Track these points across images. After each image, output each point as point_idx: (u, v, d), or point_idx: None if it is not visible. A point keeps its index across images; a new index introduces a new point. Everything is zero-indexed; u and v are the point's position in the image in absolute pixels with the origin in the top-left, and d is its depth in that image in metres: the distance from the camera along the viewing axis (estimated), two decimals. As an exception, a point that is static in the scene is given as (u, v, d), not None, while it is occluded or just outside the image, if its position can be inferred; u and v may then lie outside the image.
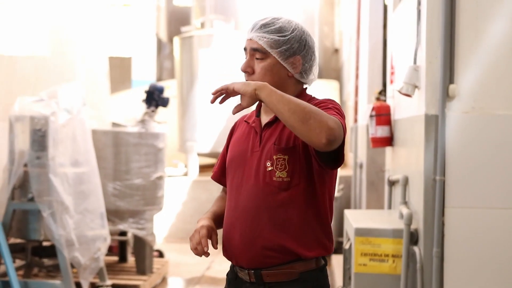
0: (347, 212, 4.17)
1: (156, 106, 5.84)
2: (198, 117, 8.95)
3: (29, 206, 4.67)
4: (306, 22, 10.85)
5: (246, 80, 2.10)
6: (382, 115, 4.32)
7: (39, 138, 4.59)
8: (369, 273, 3.46)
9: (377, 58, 6.33)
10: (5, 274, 4.61)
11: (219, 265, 6.52)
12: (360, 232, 3.48)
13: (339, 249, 6.02)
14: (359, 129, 6.53)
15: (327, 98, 2.10)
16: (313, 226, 2.07)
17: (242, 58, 2.15)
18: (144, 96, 5.89)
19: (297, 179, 2.04)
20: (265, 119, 2.15)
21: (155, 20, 13.20)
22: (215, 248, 2.10)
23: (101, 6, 7.55)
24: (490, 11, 3.17)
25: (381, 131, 4.32)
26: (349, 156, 8.43)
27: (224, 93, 1.96)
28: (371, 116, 4.40)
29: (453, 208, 3.19)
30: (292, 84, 2.11)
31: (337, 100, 10.71)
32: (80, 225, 4.76)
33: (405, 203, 3.71)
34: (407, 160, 3.81)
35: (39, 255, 5.11)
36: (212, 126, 8.89)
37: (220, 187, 2.38)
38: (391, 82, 4.42)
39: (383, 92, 5.03)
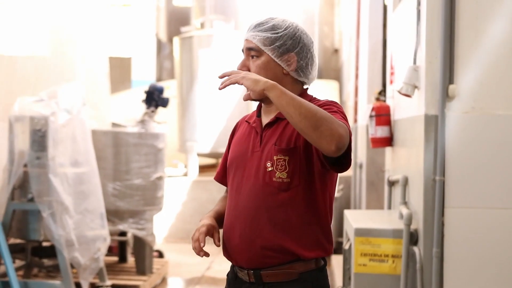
0: (347, 212, 4.17)
1: (156, 106, 5.84)
2: (198, 117, 8.95)
3: (29, 206, 4.67)
4: (306, 22, 10.86)
5: None
6: (382, 115, 4.32)
7: (39, 138, 4.59)
8: (369, 273, 3.46)
9: (377, 58, 6.33)
10: (5, 275, 4.61)
11: (219, 265, 6.52)
12: (360, 232, 3.48)
13: (339, 249, 6.02)
14: (359, 129, 6.53)
15: (329, 99, 2.10)
16: (312, 227, 2.07)
17: (241, 59, 2.16)
18: (144, 96, 5.89)
19: (297, 180, 2.04)
20: (265, 119, 2.15)
21: (155, 20, 13.20)
22: (217, 245, 2.11)
23: (101, 6, 7.55)
24: (490, 11, 3.17)
25: (381, 132, 4.32)
26: (349, 156, 8.41)
27: (231, 79, 1.93)
28: (371, 116, 4.40)
29: (453, 208, 3.19)
30: (289, 83, 2.11)
31: (337, 100, 10.71)
32: (80, 225, 4.76)
33: (405, 203, 3.71)
34: (407, 160, 3.80)
35: (39, 255, 5.11)
36: (212, 126, 8.89)
37: (223, 188, 2.39)
38: (391, 82, 4.42)
39: (383, 92, 5.03)
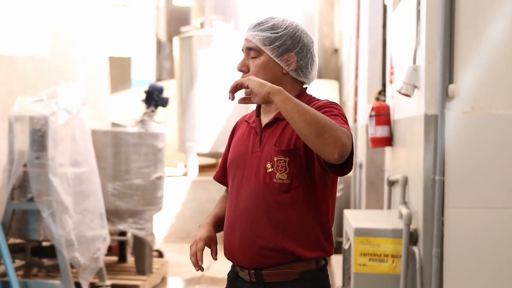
0: (346, 212, 4.16)
1: (156, 106, 5.84)
2: (197, 117, 8.95)
3: (28, 206, 4.67)
4: (306, 22, 10.84)
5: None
6: (382, 115, 4.32)
7: (39, 138, 4.59)
8: (369, 273, 3.46)
9: (377, 58, 6.33)
10: (4, 274, 4.60)
11: (219, 265, 6.51)
12: (359, 232, 3.48)
13: (338, 249, 6.02)
14: (359, 129, 6.53)
15: (329, 100, 2.09)
16: (313, 228, 2.07)
17: (241, 58, 2.16)
18: (143, 96, 5.89)
19: (298, 181, 2.04)
20: (265, 119, 2.15)
21: (154, 20, 13.19)
22: (215, 259, 2.12)
23: (100, 6, 7.55)
24: (490, 11, 3.17)
25: (381, 131, 4.32)
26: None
27: (237, 81, 1.93)
28: (370, 116, 4.41)
29: (453, 208, 3.19)
30: (288, 83, 2.10)
31: (337, 100, 10.71)
32: (79, 225, 4.76)
33: (404, 203, 3.71)
34: (406, 160, 3.80)
35: (38, 255, 5.11)
36: (212, 126, 8.89)
37: (222, 187, 2.39)
38: (391, 82, 4.42)
39: (382, 92, 5.03)
